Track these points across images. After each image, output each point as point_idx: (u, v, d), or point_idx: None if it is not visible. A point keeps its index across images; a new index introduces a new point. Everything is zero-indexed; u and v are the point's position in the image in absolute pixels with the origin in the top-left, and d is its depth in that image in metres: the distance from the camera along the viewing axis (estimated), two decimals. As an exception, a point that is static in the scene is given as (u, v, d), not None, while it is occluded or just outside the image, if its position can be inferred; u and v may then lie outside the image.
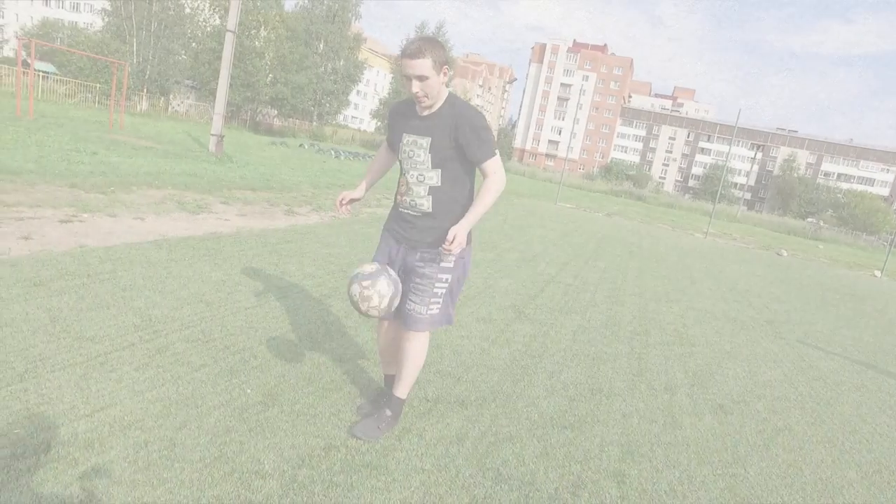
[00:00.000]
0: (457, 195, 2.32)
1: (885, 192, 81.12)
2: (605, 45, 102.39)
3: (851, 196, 67.48)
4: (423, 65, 2.12)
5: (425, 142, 2.27)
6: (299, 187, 10.68)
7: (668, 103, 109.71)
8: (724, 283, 9.08)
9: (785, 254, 18.46)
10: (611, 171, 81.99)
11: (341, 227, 7.38)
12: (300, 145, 26.82)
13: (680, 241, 15.90)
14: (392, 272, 2.28)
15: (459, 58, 55.35)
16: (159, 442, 2.01)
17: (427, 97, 2.21)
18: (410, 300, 2.35)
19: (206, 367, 2.66)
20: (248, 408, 2.36)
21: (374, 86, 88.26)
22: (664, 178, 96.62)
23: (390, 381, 2.61)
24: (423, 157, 2.28)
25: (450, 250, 2.13)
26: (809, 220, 56.61)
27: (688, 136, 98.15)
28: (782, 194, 75.64)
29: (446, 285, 2.35)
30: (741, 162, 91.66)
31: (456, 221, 2.25)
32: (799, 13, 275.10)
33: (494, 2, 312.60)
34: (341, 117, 48.73)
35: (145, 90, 27.29)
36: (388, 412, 2.42)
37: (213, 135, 13.66)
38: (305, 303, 3.94)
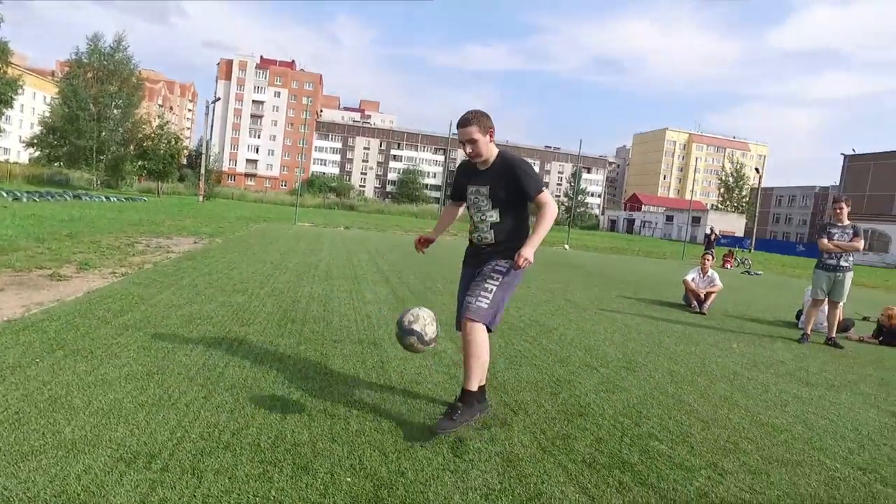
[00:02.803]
0: (513, 227, 2.93)
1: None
2: (294, 60, 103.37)
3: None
4: (471, 131, 2.78)
5: (485, 189, 2.91)
6: (18, 244, 8.24)
7: (357, 115, 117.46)
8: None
9: (567, 248, 21.79)
10: (314, 184, 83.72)
11: (149, 285, 6.13)
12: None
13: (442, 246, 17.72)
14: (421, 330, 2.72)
15: (132, 75, 48.84)
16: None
17: (479, 155, 2.85)
18: (468, 294, 2.83)
19: (304, 481, 2.25)
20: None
21: (22, 107, 70.00)
22: (364, 187, 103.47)
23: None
24: (485, 201, 2.91)
25: (521, 266, 2.70)
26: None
27: (380, 146, 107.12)
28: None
29: (497, 283, 2.80)
30: (430, 165, 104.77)
31: (515, 246, 2.81)
32: (447, 37, 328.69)
33: (164, 16, 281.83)
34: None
35: None
36: (459, 404, 2.78)
37: None
38: (266, 378, 3.42)
